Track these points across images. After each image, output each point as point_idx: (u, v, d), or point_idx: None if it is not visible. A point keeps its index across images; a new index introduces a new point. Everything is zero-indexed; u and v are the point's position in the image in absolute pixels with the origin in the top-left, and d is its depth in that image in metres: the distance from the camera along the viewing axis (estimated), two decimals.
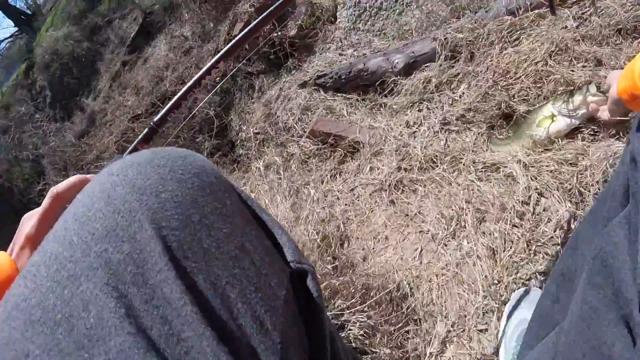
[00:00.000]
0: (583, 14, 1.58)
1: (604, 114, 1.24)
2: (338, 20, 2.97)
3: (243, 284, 0.37)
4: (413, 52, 2.19)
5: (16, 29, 11.78)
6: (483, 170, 1.51)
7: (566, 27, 1.56)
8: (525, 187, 1.35)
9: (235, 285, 0.36)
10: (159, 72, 4.42)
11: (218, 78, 3.48)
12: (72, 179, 0.50)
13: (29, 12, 11.96)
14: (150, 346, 0.30)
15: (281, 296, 0.40)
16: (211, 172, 0.41)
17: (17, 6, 11.99)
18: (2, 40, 12.55)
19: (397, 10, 2.64)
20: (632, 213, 0.46)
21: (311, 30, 2.96)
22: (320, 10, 3.01)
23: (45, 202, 0.48)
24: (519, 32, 1.66)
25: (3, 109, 7.56)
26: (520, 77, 1.52)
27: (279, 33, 2.93)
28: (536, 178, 1.36)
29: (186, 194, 0.37)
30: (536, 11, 1.67)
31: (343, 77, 2.48)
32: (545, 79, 1.49)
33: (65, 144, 4.97)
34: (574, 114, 1.34)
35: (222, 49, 1.12)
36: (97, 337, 0.30)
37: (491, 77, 1.63)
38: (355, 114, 2.30)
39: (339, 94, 2.48)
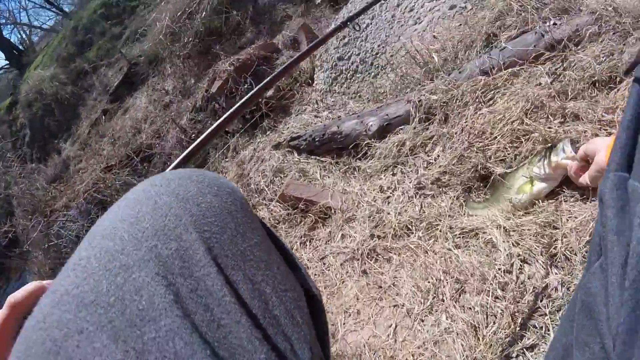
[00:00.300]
0: (557, 69, 1.55)
1: (584, 179, 1.16)
2: (315, 82, 2.97)
3: (275, 283, 0.41)
4: (387, 115, 2.14)
5: (7, 62, 11.95)
6: (461, 236, 1.38)
7: (540, 84, 1.51)
8: (507, 254, 1.22)
9: (269, 283, 0.40)
10: (137, 124, 4.41)
11: (193, 135, 3.43)
12: (29, 286, 0.51)
13: (21, 47, 12.19)
14: (194, 328, 0.33)
15: (304, 301, 0.44)
16: (240, 194, 0.47)
17: (12, 40, 12.27)
18: None
19: (373, 73, 2.64)
20: (603, 258, 0.43)
21: (288, 91, 2.94)
22: (298, 72, 3.01)
23: (3, 311, 0.48)
24: (493, 92, 1.61)
25: None
26: (497, 137, 1.45)
27: None
28: (518, 244, 1.24)
29: (222, 206, 0.43)
30: (509, 70, 1.63)
31: (317, 139, 2.41)
32: (523, 138, 1.42)
33: (36, 187, 4.86)
34: (552, 175, 1.26)
35: (221, 117, 1.08)
36: (149, 317, 0.33)
37: (466, 138, 1.56)
38: (329, 177, 2.20)
39: (312, 157, 2.40)
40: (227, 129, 3.13)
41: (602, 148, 0.99)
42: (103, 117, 5.44)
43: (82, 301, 0.33)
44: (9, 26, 12.68)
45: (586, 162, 1.13)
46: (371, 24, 2.82)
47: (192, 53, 4.19)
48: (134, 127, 4.44)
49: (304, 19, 3.79)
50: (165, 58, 4.68)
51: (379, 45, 2.72)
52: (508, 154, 1.42)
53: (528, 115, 1.43)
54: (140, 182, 0.45)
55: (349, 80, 2.82)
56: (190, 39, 4.21)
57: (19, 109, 7.34)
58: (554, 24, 1.66)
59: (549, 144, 1.33)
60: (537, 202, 1.31)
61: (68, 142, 5.90)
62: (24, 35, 13.25)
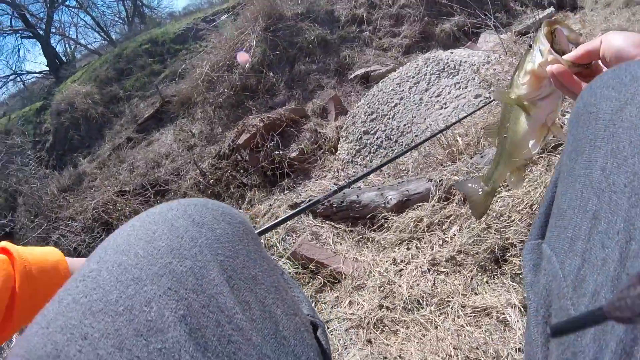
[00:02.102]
0: None
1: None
2: (338, 152, 3.13)
3: (285, 307, 0.44)
4: (407, 191, 2.24)
5: (47, 68, 12.50)
6: (473, 314, 1.41)
7: None
8: (522, 333, 1.24)
9: (279, 306, 0.43)
10: (158, 158, 4.57)
11: (212, 180, 3.56)
12: None
13: (63, 59, 12.89)
14: (203, 342, 0.35)
15: (310, 327, 0.48)
16: (250, 225, 0.50)
17: (57, 50, 13.00)
18: (32, 73, 13.48)
19: (396, 150, 2.78)
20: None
21: (311, 155, 3.08)
22: (323, 140, 3.18)
23: None
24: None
25: (3, 132, 7.71)
26: (515, 220, 1.52)
27: (281, 152, 3.05)
28: None
29: (235, 234, 0.46)
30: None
31: (335, 205, 2.50)
32: None
33: (46, 191, 4.94)
34: (533, 91, 0.78)
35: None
36: (156, 328, 0.34)
37: (484, 219, 1.62)
38: (341, 244, 2.26)
39: (327, 222, 2.47)
40: (244, 181, 3.25)
41: (635, 51, 0.56)
42: (127, 144, 5.67)
43: (90, 309, 0.34)
44: (57, 37, 13.59)
45: (584, 66, 0.65)
46: (399, 103, 3.02)
47: (225, 103, 4.47)
48: (154, 161, 4.63)
49: (335, 91, 4.05)
50: (197, 103, 4.97)
51: (405, 125, 2.89)
52: (525, 237, 1.48)
53: None
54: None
55: (372, 154, 2.96)
56: (225, 90, 4.52)
57: (48, 115, 7.69)
58: None
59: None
60: None
61: (86, 159, 6.12)
62: (68, 49, 14.17)
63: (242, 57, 4.60)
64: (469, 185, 0.99)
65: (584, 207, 0.40)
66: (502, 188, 1.70)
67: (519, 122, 0.77)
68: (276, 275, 0.48)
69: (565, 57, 0.65)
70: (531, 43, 0.70)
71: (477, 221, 1.68)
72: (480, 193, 0.95)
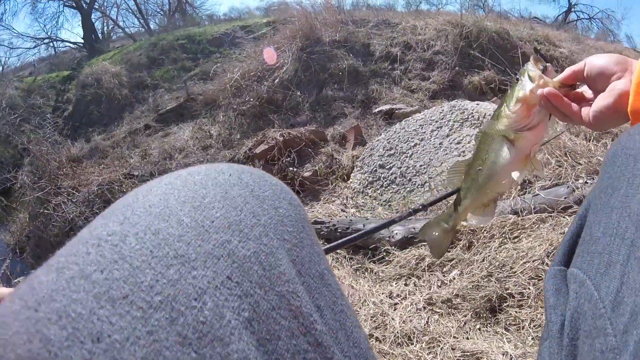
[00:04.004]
0: None
1: (587, 112, 0.68)
2: (350, 180, 3.20)
3: (353, 316, 0.37)
4: (414, 228, 2.29)
5: (82, 41, 12.92)
6: (462, 358, 1.44)
7: (564, 232, 1.65)
8: None
9: (348, 315, 0.36)
10: (172, 151, 4.67)
11: None
12: None
13: (99, 36, 13.26)
14: (275, 359, 0.27)
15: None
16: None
17: (95, 26, 13.48)
18: (66, 41, 13.81)
19: (408, 188, 2.85)
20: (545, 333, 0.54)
21: (324, 179, 3.15)
22: (337, 166, 3.26)
23: None
24: (519, 231, 1.77)
25: (27, 91, 7.85)
26: (517, 272, 1.57)
27: (295, 169, 3.13)
28: None
29: (297, 218, 0.37)
30: (539, 215, 1.81)
31: (339, 230, 2.55)
32: (543, 277, 1.53)
33: (54, 157, 4.99)
34: (522, 119, 0.81)
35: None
36: (212, 336, 0.25)
37: (486, 267, 1.68)
38: (339, 269, 2.30)
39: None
40: None
41: (616, 68, 0.63)
42: (144, 130, 5.81)
43: (108, 292, 0.25)
44: (98, 13, 14.09)
45: (570, 86, 0.71)
46: (419, 144, 3.10)
47: (248, 112, 4.62)
48: (167, 152, 4.74)
49: (357, 121, 4.16)
50: (221, 106, 5.14)
51: (421, 165, 2.96)
52: (527, 291, 1.53)
53: (550, 257, 1.56)
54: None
55: (383, 188, 3.03)
56: (251, 99, 4.69)
57: (73, 85, 7.94)
58: (586, 182, 1.88)
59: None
60: None
61: (101, 136, 6.25)
62: (106, 28, 14.62)
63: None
64: (428, 229, 0.96)
65: (622, 235, 0.44)
66: (508, 239, 1.76)
67: (501, 154, 0.78)
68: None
69: (554, 79, 0.71)
70: (518, 76, 0.75)
71: (479, 268, 1.73)
72: (439, 233, 0.94)
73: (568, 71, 0.70)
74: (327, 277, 0.36)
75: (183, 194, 0.33)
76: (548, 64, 0.74)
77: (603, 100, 0.63)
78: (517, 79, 0.75)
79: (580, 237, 0.55)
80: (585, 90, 0.71)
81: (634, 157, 0.49)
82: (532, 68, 0.73)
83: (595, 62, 0.65)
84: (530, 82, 0.72)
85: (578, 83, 0.71)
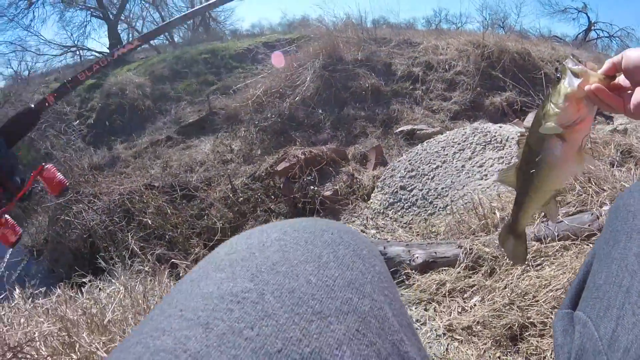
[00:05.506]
0: None
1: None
2: (371, 201, 3.24)
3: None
4: (435, 253, 2.32)
5: (107, 51, 13.32)
6: None
7: None
8: None
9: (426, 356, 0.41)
10: (193, 164, 4.80)
11: (241, 199, 3.70)
12: None
13: None
14: None
15: None
16: None
17: (121, 36, 13.99)
18: (91, 50, 14.39)
19: (429, 211, 2.88)
20: None
21: (344, 198, 3.20)
22: (358, 186, 3.30)
23: None
24: (543, 259, 1.79)
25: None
26: (539, 301, 1.59)
27: (316, 188, 3.18)
28: None
29: (387, 274, 0.44)
30: (562, 242, 1.83)
31: None
32: None
33: (77, 163, 5.15)
34: (572, 115, 0.84)
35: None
36: None
37: (508, 295, 1.70)
38: None
39: None
40: (272, 207, 3.38)
41: None
42: (165, 142, 5.96)
43: (263, 347, 0.29)
44: (124, 25, 14.65)
45: (610, 77, 0.76)
46: (441, 166, 3.14)
47: (269, 128, 4.72)
48: (188, 165, 4.86)
49: (379, 141, 4.21)
50: (243, 121, 5.27)
51: (442, 188, 2.99)
52: (548, 321, 1.54)
53: None
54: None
55: (404, 210, 3.06)
56: (272, 115, 4.80)
57: (97, 94, 8.14)
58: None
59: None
60: None
61: (122, 145, 6.43)
62: (130, 39, 15.06)
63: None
64: (502, 239, 1.01)
65: (619, 283, 0.52)
66: (531, 267, 1.78)
67: (555, 152, 0.80)
68: None
69: (599, 71, 0.76)
70: (558, 75, 0.78)
71: (501, 295, 1.75)
72: (510, 240, 0.97)
73: (608, 63, 0.75)
74: (412, 327, 0.42)
75: (299, 253, 0.38)
76: (581, 60, 0.79)
77: None
78: (558, 77, 0.78)
79: (586, 283, 0.62)
80: (622, 80, 0.75)
81: (633, 213, 0.57)
82: (573, 64, 0.77)
83: (632, 55, 0.71)
84: (576, 77, 0.76)
85: (617, 74, 0.76)
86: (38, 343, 1.60)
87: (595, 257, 0.63)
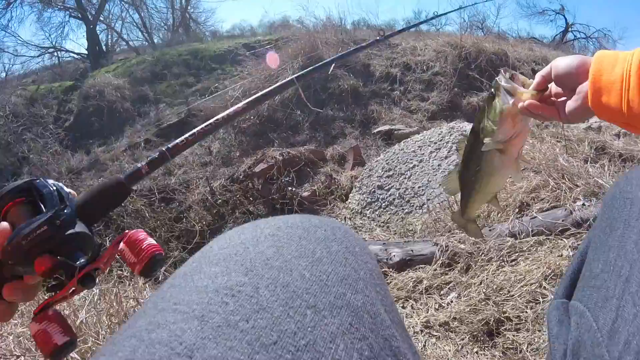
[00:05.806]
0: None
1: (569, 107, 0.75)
2: (349, 201, 3.24)
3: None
4: (412, 251, 2.32)
5: (86, 52, 13.04)
6: None
7: (562, 255, 1.71)
8: None
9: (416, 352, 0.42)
10: (172, 167, 4.72)
11: (219, 200, 3.66)
12: None
13: (104, 48, 13.39)
14: None
15: None
16: None
17: (100, 37, 13.62)
18: (70, 52, 13.87)
19: (406, 210, 2.88)
20: None
21: (322, 199, 3.19)
22: (336, 186, 3.30)
23: None
24: (517, 254, 1.81)
25: (30, 100, 7.90)
26: (514, 295, 1.60)
27: (294, 189, 3.16)
28: None
29: (378, 271, 0.45)
30: (536, 238, 1.85)
31: None
32: (541, 300, 1.57)
33: (54, 167, 5.05)
34: (509, 131, 0.88)
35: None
36: None
37: (484, 290, 1.71)
38: None
39: None
40: (251, 209, 3.36)
41: (579, 70, 0.71)
42: (143, 144, 5.86)
43: (259, 339, 0.29)
44: (103, 26, 14.24)
45: (542, 91, 0.79)
46: (418, 166, 3.15)
47: (248, 130, 4.68)
48: (167, 168, 4.78)
49: (357, 142, 4.22)
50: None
51: (419, 187, 3.01)
52: (523, 315, 1.55)
53: (547, 280, 1.60)
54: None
55: (382, 209, 3.07)
56: (251, 117, 4.76)
57: (75, 96, 7.96)
58: (583, 204, 1.93)
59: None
60: None
61: (101, 148, 6.29)
62: (110, 40, 14.81)
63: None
64: (455, 219, 1.12)
65: (618, 272, 0.51)
66: (505, 263, 1.79)
67: (494, 164, 0.85)
68: None
69: (529, 88, 0.78)
70: (492, 92, 0.80)
71: (477, 291, 1.76)
72: (462, 224, 1.06)
73: (539, 77, 0.77)
74: (403, 324, 0.43)
75: (293, 248, 0.39)
76: (514, 72, 0.81)
77: (574, 103, 0.72)
78: (492, 94, 0.80)
79: (581, 272, 0.62)
80: (554, 88, 0.78)
81: (630, 200, 0.56)
82: (505, 82, 0.79)
83: (560, 63, 0.73)
84: (509, 95, 0.78)
85: (548, 85, 0.78)
86: (11, 345, 1.57)
87: (590, 245, 0.62)
